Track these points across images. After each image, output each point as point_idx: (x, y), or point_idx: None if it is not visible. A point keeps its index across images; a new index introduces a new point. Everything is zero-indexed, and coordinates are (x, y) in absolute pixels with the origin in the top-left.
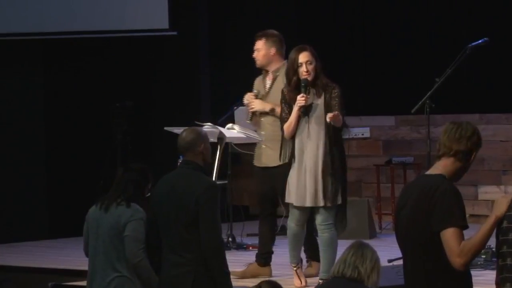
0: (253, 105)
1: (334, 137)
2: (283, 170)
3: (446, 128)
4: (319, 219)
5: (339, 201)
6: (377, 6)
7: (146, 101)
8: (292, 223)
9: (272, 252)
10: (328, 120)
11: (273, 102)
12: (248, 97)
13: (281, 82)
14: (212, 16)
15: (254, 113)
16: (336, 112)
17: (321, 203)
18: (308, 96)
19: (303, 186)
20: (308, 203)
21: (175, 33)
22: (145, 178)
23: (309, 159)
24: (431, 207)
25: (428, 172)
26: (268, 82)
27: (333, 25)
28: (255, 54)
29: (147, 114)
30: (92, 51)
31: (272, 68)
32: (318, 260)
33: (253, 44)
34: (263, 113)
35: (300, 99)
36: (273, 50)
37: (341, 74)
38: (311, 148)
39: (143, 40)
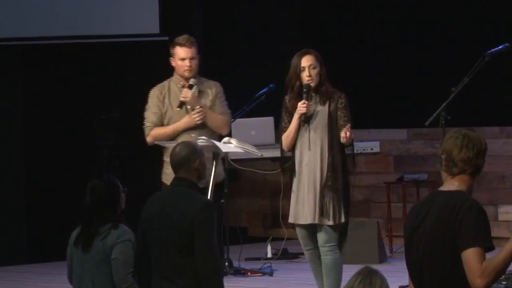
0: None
1: (337, 149)
2: None
3: (461, 144)
4: (321, 240)
5: (343, 220)
6: (387, 10)
7: (134, 113)
8: (304, 248)
9: None
10: (342, 141)
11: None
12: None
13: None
14: (206, 20)
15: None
16: (350, 132)
17: (321, 221)
18: (310, 103)
19: (302, 202)
20: (308, 220)
21: (166, 38)
22: (114, 189)
23: (308, 172)
24: (456, 226)
25: (443, 189)
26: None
27: (340, 31)
28: (191, 63)
29: (136, 126)
30: (76, 57)
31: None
32: None
33: (251, 50)
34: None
35: (301, 106)
36: (199, 58)
37: (348, 83)
38: (310, 160)
39: (131, 46)
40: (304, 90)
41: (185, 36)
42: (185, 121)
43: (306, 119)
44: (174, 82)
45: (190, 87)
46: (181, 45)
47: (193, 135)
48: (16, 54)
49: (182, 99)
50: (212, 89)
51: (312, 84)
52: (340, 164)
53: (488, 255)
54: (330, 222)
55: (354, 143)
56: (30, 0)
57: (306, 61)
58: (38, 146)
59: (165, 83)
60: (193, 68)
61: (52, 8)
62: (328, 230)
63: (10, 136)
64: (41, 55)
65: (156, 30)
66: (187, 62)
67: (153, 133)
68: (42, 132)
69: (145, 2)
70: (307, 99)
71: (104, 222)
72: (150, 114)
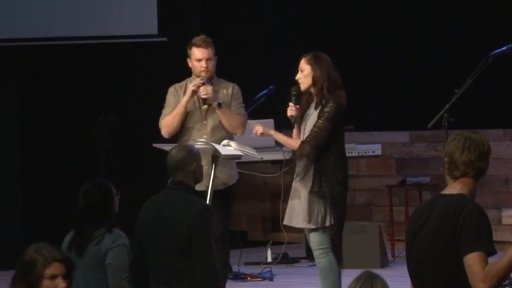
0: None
1: (327, 153)
2: None
3: (462, 146)
4: (312, 244)
5: (330, 222)
6: (390, 10)
7: (132, 115)
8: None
9: None
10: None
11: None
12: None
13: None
14: (205, 20)
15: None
16: (262, 128)
17: (304, 224)
18: (297, 106)
19: (292, 205)
20: (294, 223)
21: (164, 39)
22: (108, 192)
23: (300, 177)
24: (457, 230)
25: (445, 192)
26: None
27: (341, 32)
28: (207, 64)
29: (133, 129)
30: (72, 59)
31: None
32: None
33: (250, 52)
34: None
35: (288, 109)
36: (216, 59)
37: (349, 84)
38: (300, 163)
39: (129, 47)
40: (293, 93)
41: (202, 36)
42: (184, 100)
43: (297, 122)
44: (191, 82)
45: (203, 84)
46: (197, 46)
47: (205, 136)
48: (13, 55)
49: (203, 96)
50: (229, 90)
51: (302, 88)
52: (331, 168)
53: (491, 260)
54: (312, 225)
55: (356, 146)
56: (27, 1)
57: (299, 63)
58: (34, 149)
59: (183, 82)
60: (209, 68)
61: (49, 8)
62: (317, 233)
63: (6, 138)
64: (38, 56)
65: (155, 30)
66: (203, 63)
67: (161, 123)
68: (38, 135)
69: (143, 3)
70: (295, 102)
71: (98, 226)
72: (165, 109)
